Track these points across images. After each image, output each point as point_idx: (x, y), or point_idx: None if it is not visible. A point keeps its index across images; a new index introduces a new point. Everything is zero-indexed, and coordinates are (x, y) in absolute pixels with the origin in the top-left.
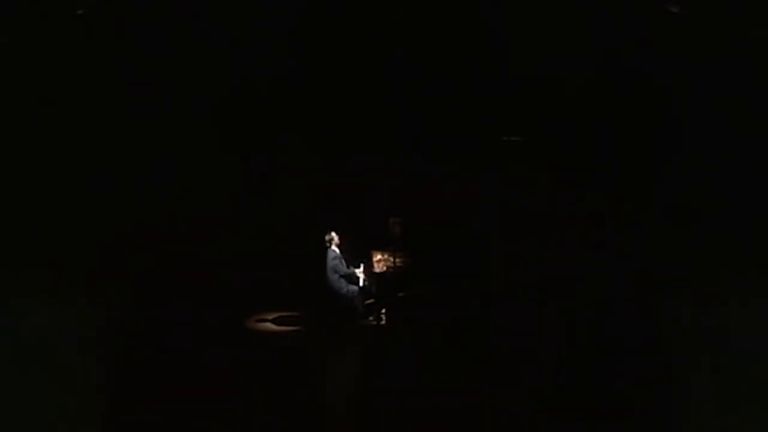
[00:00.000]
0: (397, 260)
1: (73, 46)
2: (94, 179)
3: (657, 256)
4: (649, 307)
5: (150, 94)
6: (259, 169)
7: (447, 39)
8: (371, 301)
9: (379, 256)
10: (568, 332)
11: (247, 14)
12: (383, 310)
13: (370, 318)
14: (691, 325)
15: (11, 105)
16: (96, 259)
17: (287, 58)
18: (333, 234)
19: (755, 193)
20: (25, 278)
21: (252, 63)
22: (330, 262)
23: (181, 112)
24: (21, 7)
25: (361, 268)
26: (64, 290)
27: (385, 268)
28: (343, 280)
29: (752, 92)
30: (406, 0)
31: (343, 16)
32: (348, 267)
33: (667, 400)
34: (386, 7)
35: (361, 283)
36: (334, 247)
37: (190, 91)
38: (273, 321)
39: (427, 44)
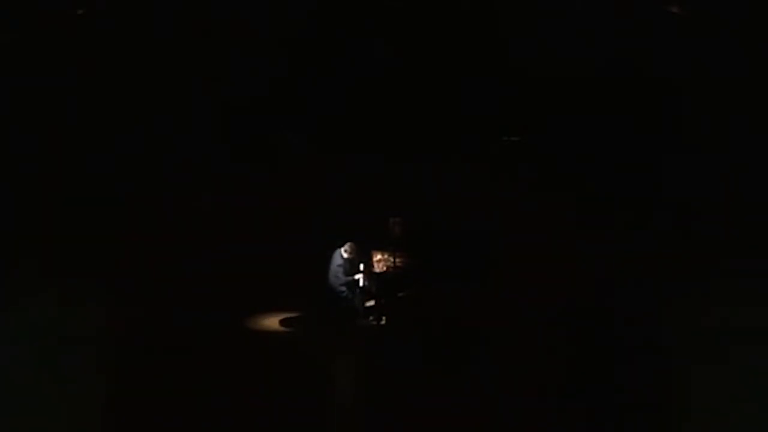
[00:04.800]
0: (397, 260)
1: (73, 45)
2: (96, 178)
3: (657, 255)
4: (650, 307)
5: (150, 94)
6: (259, 169)
7: (447, 38)
8: (371, 302)
9: (379, 256)
10: (569, 332)
11: (249, 13)
12: (383, 311)
13: (370, 318)
14: (691, 325)
15: (11, 105)
16: (97, 259)
17: (287, 57)
18: (348, 246)
19: (756, 192)
20: (27, 276)
21: (252, 62)
22: (333, 268)
23: (182, 111)
24: (21, 7)
25: (361, 268)
26: (69, 288)
27: (385, 268)
28: (343, 286)
29: (753, 91)
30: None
31: (343, 14)
32: (350, 269)
33: (666, 401)
34: (387, 6)
35: (361, 284)
36: (343, 253)
37: (191, 91)
38: (273, 322)
39: (427, 43)
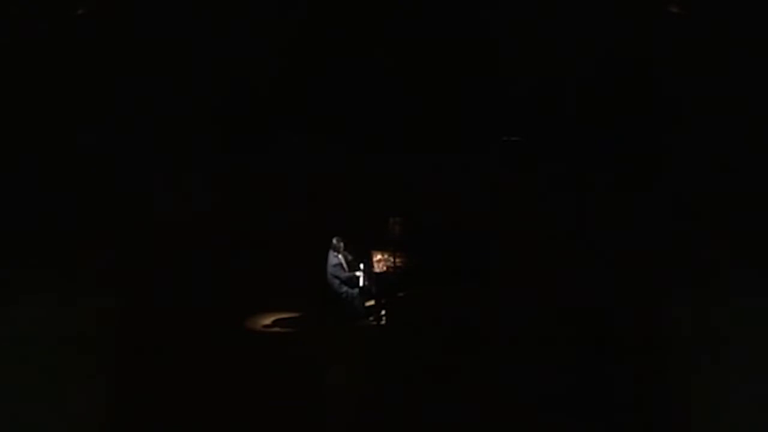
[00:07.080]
0: (397, 260)
1: (73, 45)
2: (95, 178)
3: (658, 255)
4: (651, 307)
5: (150, 94)
6: (258, 169)
7: (447, 38)
8: (371, 302)
9: (379, 256)
10: (568, 332)
11: (248, 12)
12: (383, 311)
13: (370, 318)
14: (691, 325)
15: (11, 106)
16: (96, 258)
17: (287, 55)
18: (335, 240)
19: (755, 192)
20: (25, 275)
21: (252, 60)
22: (330, 268)
23: (180, 109)
24: (21, 7)
25: (361, 268)
26: (65, 288)
27: (385, 268)
28: (343, 285)
29: (753, 91)
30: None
31: (343, 13)
32: (349, 270)
33: (666, 400)
34: (386, 6)
35: (361, 284)
36: (333, 250)
37: (189, 89)
38: (273, 322)
39: (427, 43)
